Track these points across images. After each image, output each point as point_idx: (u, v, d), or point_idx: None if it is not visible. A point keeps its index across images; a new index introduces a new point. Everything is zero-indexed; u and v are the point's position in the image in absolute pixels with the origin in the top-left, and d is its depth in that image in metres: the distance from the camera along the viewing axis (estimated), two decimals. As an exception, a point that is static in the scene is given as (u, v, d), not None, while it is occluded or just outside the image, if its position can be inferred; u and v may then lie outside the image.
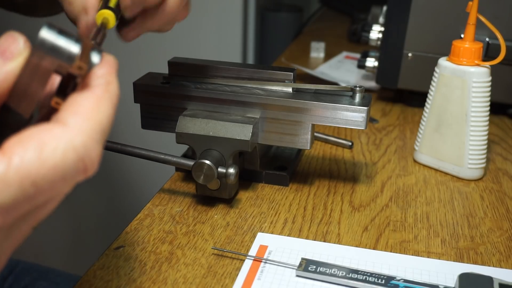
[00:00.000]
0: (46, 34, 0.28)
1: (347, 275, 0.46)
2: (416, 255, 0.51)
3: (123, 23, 0.47)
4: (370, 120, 0.83)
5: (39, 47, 0.29)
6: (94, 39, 0.38)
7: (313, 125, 0.57)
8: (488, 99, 0.63)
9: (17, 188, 0.26)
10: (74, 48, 0.29)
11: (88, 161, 0.28)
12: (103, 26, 0.42)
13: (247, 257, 0.49)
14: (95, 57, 0.31)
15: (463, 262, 0.50)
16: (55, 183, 0.27)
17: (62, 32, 0.29)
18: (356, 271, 0.46)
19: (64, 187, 0.28)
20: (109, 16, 0.42)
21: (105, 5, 0.43)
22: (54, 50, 0.29)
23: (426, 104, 0.68)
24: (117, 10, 0.43)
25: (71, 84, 0.31)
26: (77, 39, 0.29)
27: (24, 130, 0.28)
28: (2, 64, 0.28)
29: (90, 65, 0.30)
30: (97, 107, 0.29)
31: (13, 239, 0.29)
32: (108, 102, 0.30)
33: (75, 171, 0.28)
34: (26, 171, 0.26)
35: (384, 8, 0.87)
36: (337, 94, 0.58)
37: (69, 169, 0.27)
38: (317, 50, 1.19)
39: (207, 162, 0.53)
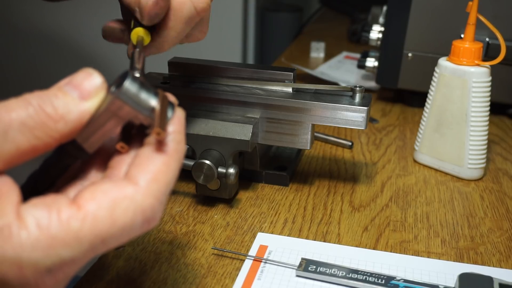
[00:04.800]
0: (130, 86, 0.30)
1: (347, 275, 0.46)
2: (416, 255, 0.51)
3: None
4: (370, 120, 0.83)
5: (120, 96, 0.29)
6: (138, 62, 0.38)
7: (313, 125, 0.57)
8: (488, 99, 0.63)
9: (88, 245, 0.28)
10: (153, 102, 0.30)
11: (152, 221, 0.30)
12: (140, 44, 0.41)
13: (247, 257, 0.49)
14: (168, 112, 0.31)
15: (463, 262, 0.50)
16: (120, 240, 0.29)
17: (143, 85, 0.30)
18: (356, 271, 0.46)
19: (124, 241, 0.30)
20: (142, 33, 0.42)
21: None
22: (135, 102, 0.30)
23: (426, 104, 0.68)
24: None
25: (135, 128, 0.32)
26: (155, 93, 0.31)
27: (97, 184, 0.29)
28: (78, 103, 0.29)
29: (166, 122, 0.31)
30: (167, 168, 0.30)
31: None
32: (177, 162, 0.31)
33: (139, 230, 0.30)
34: (98, 230, 0.28)
35: (384, 8, 0.87)
36: (337, 94, 0.58)
37: (135, 229, 0.29)
38: (317, 50, 1.19)
39: (207, 162, 0.53)
